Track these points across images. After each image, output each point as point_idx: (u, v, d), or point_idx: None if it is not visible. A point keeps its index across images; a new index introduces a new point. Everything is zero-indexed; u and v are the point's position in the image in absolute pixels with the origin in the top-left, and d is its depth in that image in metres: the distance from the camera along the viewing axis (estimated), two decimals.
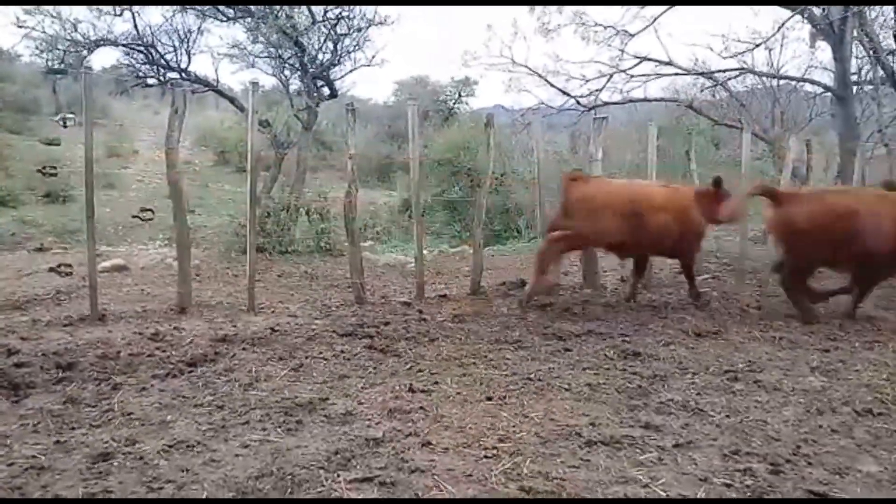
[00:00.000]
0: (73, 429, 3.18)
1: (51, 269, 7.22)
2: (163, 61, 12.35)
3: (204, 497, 2.56)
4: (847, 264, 5.93)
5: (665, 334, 5.29)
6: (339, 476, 2.72)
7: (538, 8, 12.01)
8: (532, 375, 4.13)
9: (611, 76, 12.17)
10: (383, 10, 12.31)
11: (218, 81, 13.33)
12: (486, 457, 2.95)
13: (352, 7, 12.16)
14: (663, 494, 2.65)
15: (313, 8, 11.86)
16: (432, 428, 3.26)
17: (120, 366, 4.14)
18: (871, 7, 10.59)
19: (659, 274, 8.22)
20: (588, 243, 6.61)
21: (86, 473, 2.72)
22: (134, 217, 6.98)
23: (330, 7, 12.04)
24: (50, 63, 12.92)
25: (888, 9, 10.63)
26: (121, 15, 11.60)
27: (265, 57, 12.72)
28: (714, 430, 3.33)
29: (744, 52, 11.92)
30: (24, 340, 4.72)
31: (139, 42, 12.00)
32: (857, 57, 11.58)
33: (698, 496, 2.66)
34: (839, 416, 3.58)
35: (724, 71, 12.20)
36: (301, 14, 11.71)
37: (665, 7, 11.48)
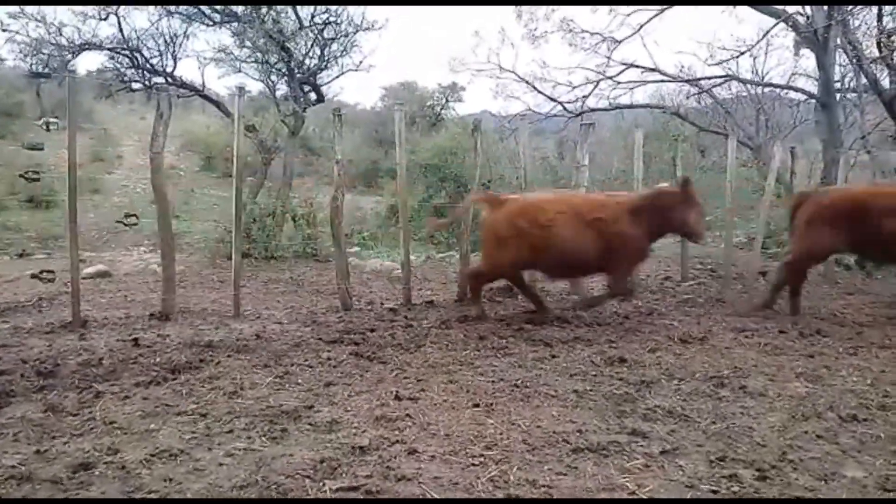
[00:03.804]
0: (54, 438, 3.13)
1: (33, 276, 7.12)
2: (148, 65, 12.31)
3: None
4: None
5: (651, 340, 5.29)
6: (324, 485, 2.69)
7: (525, 15, 12.08)
8: (519, 382, 4.12)
9: (597, 83, 12.27)
10: (371, 15, 12.35)
11: (204, 86, 13.32)
12: (472, 464, 2.93)
13: (339, 12, 12.18)
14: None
15: (301, 13, 11.86)
16: (419, 436, 3.24)
17: (102, 373, 4.09)
18: (855, 15, 10.74)
19: (646, 280, 8.26)
20: None
21: (67, 483, 2.68)
22: (118, 222, 6.90)
23: (317, 12, 12.05)
24: (34, 67, 12.83)
25: (871, 17, 10.78)
26: (106, 19, 11.55)
27: (252, 62, 12.71)
28: (700, 437, 3.33)
29: (729, 59, 12.08)
30: (5, 348, 4.66)
31: (124, 46, 11.94)
32: (840, 65, 11.74)
33: None
34: (824, 421, 3.60)
35: (710, 78, 12.33)
36: (288, 18, 11.69)
37: (652, 14, 11.56)
